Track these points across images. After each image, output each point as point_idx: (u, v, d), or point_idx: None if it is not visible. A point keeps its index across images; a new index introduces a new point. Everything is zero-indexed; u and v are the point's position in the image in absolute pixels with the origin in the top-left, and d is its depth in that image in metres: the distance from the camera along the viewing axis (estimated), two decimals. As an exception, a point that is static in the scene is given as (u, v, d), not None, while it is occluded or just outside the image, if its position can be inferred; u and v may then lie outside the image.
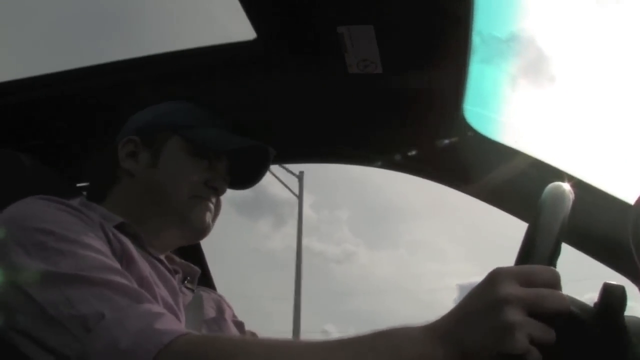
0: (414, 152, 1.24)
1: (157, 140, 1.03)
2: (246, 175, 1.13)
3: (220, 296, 1.17)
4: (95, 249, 0.79)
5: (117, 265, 0.80)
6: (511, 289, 0.57)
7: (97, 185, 1.05)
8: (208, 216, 1.02)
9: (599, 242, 1.11)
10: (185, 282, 1.06)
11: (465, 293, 0.62)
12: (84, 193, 1.13)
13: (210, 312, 1.06)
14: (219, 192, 1.05)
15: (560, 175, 1.10)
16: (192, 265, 1.10)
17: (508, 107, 1.20)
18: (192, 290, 1.05)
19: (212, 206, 1.03)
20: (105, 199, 1.02)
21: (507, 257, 0.67)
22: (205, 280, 1.38)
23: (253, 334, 1.14)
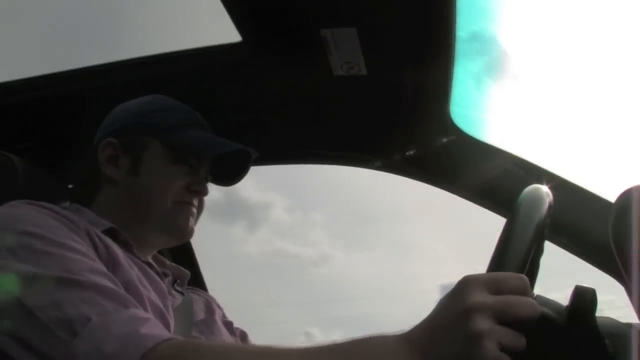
0: (400, 153, 1.24)
1: (137, 145, 1.02)
2: (227, 174, 1.13)
3: (210, 297, 1.17)
4: (81, 253, 0.79)
5: (104, 268, 0.80)
6: (479, 297, 0.57)
7: (81, 189, 1.05)
8: (191, 221, 1.02)
9: (583, 241, 1.12)
10: (175, 285, 1.07)
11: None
12: None
13: (200, 314, 1.06)
14: (200, 195, 1.05)
15: (544, 174, 1.11)
16: (182, 268, 1.10)
17: (492, 107, 1.20)
18: (182, 293, 1.06)
19: (194, 210, 1.03)
20: (92, 202, 1.02)
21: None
22: (197, 281, 1.39)
23: (243, 333, 1.15)
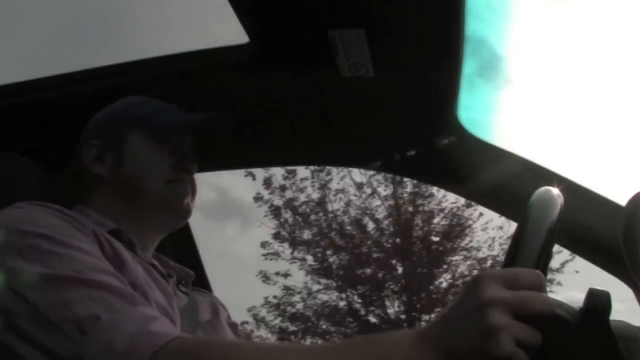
0: (408, 155, 1.24)
1: (118, 138, 1.03)
2: (213, 146, 1.12)
3: (215, 298, 1.17)
4: (88, 252, 0.79)
5: (111, 268, 0.80)
6: (495, 292, 0.57)
7: (72, 195, 1.05)
8: (187, 198, 1.03)
9: (593, 245, 1.11)
10: (180, 285, 1.07)
11: None
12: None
13: (205, 315, 1.06)
14: (190, 172, 1.05)
15: (553, 177, 1.11)
16: (186, 269, 1.10)
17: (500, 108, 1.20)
18: (187, 294, 1.06)
19: (188, 189, 1.03)
20: (88, 206, 1.02)
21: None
22: (202, 282, 1.39)
23: (247, 335, 1.15)
